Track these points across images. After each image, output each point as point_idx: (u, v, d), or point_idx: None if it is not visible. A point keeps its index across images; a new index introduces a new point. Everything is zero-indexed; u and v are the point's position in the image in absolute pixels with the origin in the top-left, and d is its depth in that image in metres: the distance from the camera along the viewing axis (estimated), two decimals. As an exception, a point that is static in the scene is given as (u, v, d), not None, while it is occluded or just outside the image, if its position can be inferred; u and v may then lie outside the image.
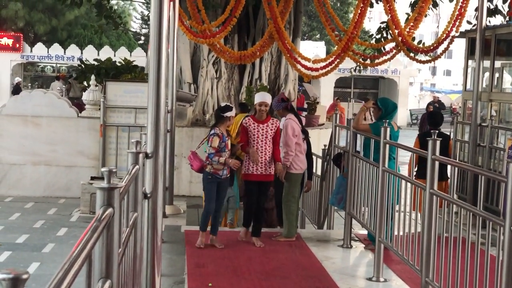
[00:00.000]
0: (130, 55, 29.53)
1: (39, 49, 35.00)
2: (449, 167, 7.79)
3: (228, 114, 7.92)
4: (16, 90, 26.52)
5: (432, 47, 12.00)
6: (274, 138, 8.22)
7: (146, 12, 52.53)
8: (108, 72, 17.49)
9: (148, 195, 4.42)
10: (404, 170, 10.75)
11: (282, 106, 8.71)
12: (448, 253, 5.63)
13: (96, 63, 18.67)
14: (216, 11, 13.84)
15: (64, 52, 34.44)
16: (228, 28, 10.69)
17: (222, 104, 8.52)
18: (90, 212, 10.44)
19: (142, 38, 48.49)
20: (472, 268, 5.21)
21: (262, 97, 8.31)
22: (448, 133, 10.69)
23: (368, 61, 13.06)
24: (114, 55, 27.67)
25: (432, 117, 10.50)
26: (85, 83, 17.93)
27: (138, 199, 4.02)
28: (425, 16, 12.21)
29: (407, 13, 13.90)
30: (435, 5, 15.13)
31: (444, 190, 8.86)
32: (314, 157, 9.43)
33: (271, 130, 8.17)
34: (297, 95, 19.00)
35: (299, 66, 11.27)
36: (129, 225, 3.60)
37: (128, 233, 3.48)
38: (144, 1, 42.32)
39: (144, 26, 54.74)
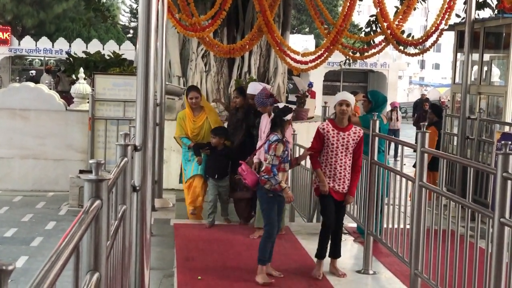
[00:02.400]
0: (119, 48, 29.39)
1: (27, 42, 34.76)
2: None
3: (289, 117, 6.60)
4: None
5: (421, 40, 12.01)
6: (356, 151, 6.68)
7: (134, 6, 52.42)
8: (97, 66, 17.44)
9: (137, 188, 4.40)
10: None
11: (270, 103, 7.91)
12: (437, 246, 5.64)
13: (84, 56, 18.60)
14: (205, 4, 13.80)
15: (53, 45, 34.22)
16: (218, 22, 10.66)
17: (280, 105, 6.83)
18: (79, 206, 10.41)
19: (131, 31, 48.35)
20: (461, 260, 5.22)
21: (343, 95, 6.73)
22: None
23: (357, 54, 13.06)
24: (103, 49, 27.53)
25: (437, 109, 11.70)
26: (73, 76, 17.87)
27: (126, 192, 4.00)
28: (414, 9, 12.22)
29: (396, 6, 13.91)
30: (424, -2, 15.15)
31: (434, 181, 8.88)
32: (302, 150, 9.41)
33: (353, 140, 6.61)
34: (306, 91, 18.89)
35: (288, 59, 11.26)
36: (117, 218, 3.58)
37: (116, 226, 3.46)
38: (133, -6, 42.14)
39: (132, 19, 54.56)
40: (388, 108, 18.01)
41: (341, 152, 6.58)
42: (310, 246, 7.61)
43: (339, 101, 6.59)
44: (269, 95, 8.21)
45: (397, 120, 20.01)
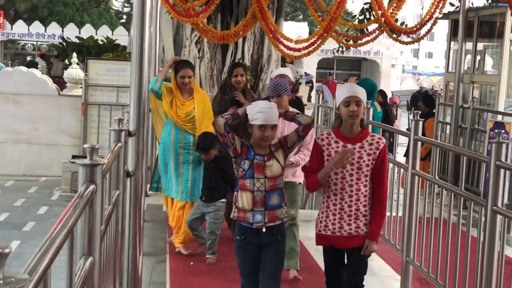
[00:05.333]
0: (112, 33, 29.23)
1: (20, 26, 34.59)
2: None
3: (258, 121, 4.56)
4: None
5: (415, 29, 11.99)
6: (376, 174, 4.52)
7: (128, -9, 52.13)
8: (90, 51, 17.39)
9: (131, 173, 4.40)
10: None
11: (289, 92, 5.85)
12: (429, 234, 5.67)
13: (77, 41, 18.53)
14: (199, -10, 13.74)
15: (45, 30, 34.05)
16: (212, 7, 10.60)
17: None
18: (71, 191, 10.40)
19: (124, 16, 48.10)
20: (453, 248, 5.25)
21: (351, 89, 4.53)
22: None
23: (350, 42, 13.04)
24: (96, 34, 27.40)
25: (429, 99, 11.99)
26: (66, 61, 17.81)
27: (120, 177, 4.00)
28: (409, -3, 12.20)
29: (390, -6, 13.87)
30: (419, -14, 15.11)
31: (426, 170, 8.90)
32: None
33: (369, 156, 4.46)
34: (328, 80, 18.85)
35: (281, 47, 11.22)
36: (111, 203, 3.58)
37: (110, 211, 3.47)
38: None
39: (126, 4, 54.26)
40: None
41: (351, 175, 4.46)
42: (302, 233, 7.52)
43: (344, 99, 4.44)
44: (291, 83, 6.52)
45: (396, 118, 14.55)
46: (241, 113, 4.69)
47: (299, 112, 4.87)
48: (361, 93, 4.50)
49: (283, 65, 19.27)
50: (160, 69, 7.52)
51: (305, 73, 27.81)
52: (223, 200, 6.62)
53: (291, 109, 5.18)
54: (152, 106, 7.28)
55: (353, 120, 4.47)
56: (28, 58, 34.33)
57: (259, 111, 4.53)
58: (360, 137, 4.50)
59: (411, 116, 17.07)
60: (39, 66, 25.70)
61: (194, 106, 6.92)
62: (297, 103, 8.45)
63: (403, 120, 23.01)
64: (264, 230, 4.58)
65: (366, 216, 4.53)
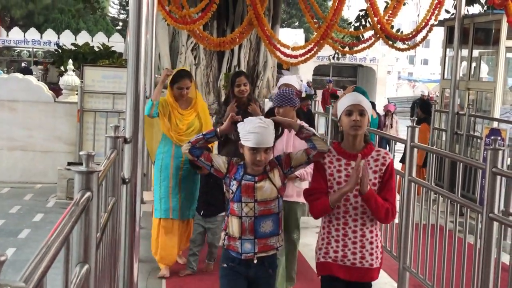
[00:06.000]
0: (108, 40, 29.29)
1: (15, 33, 34.64)
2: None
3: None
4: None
5: (410, 35, 12.03)
6: (383, 192, 3.95)
7: (124, -2, 52.20)
8: (86, 57, 17.39)
9: (127, 181, 4.38)
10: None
11: (297, 104, 5.55)
12: (425, 241, 5.66)
13: (73, 48, 18.54)
14: (195, -3, 13.77)
15: (41, 36, 34.09)
16: (208, 15, 10.62)
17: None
18: (67, 198, 10.38)
19: (120, 23, 48.15)
20: (449, 255, 5.24)
21: (354, 98, 4.02)
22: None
23: (346, 49, 13.06)
24: (92, 40, 27.44)
25: (426, 105, 12.21)
26: (62, 68, 17.81)
27: (116, 184, 3.99)
28: (404, 4, 12.23)
29: (386, 1, 13.91)
30: (414, -7, 15.16)
31: (423, 177, 8.91)
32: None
33: (375, 173, 3.97)
34: (327, 86, 18.75)
35: (278, 53, 11.24)
36: (107, 210, 3.57)
37: (106, 218, 3.45)
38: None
39: (122, 11, 54.35)
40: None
41: (355, 197, 3.94)
42: (302, 240, 7.57)
43: (347, 107, 3.96)
44: (299, 95, 6.08)
45: (391, 127, 14.49)
46: (224, 128, 4.16)
47: (315, 133, 4.11)
48: (365, 102, 3.99)
49: (279, 72, 19.30)
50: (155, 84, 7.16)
51: (308, 83, 27.79)
52: (222, 214, 6.40)
53: (305, 124, 4.43)
54: (145, 120, 6.83)
55: (355, 131, 3.90)
56: (23, 64, 34.34)
57: (251, 131, 3.95)
58: (364, 153, 3.98)
59: (409, 123, 17.04)
60: (34, 73, 25.71)
61: (195, 116, 6.53)
62: (308, 116, 7.63)
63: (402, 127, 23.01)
64: (255, 261, 4.06)
65: (372, 243, 3.98)
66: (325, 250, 4.05)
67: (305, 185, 5.46)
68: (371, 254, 3.99)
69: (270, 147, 4.04)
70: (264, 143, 3.96)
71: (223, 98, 14.73)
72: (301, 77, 7.95)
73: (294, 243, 5.87)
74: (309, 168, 5.18)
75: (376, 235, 4.02)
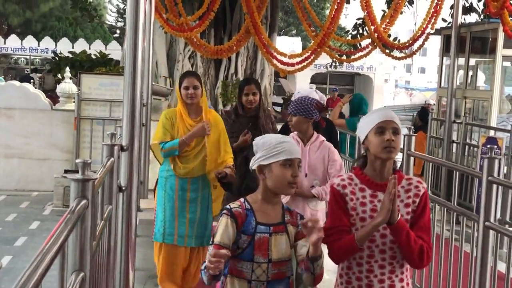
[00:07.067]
0: (105, 48, 29.30)
1: (13, 41, 34.62)
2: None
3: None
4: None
5: (407, 44, 12.06)
6: (415, 228, 3.14)
7: (121, 5, 52.28)
8: (83, 65, 17.40)
9: (123, 188, 4.38)
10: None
11: (315, 116, 5.07)
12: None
13: (70, 55, 18.54)
14: (193, 5, 13.81)
15: (38, 44, 34.08)
16: (206, 22, 10.64)
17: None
18: (63, 206, 10.36)
19: (118, 31, 48.18)
20: (446, 263, 5.24)
21: (384, 113, 3.28)
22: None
23: (344, 57, 13.09)
24: (89, 48, 27.47)
25: (423, 113, 12.38)
26: (59, 75, 17.82)
27: (112, 192, 3.99)
28: (401, 13, 12.26)
29: (383, 10, 13.96)
30: (411, 2, 15.25)
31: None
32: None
33: (406, 207, 3.19)
34: (331, 95, 18.41)
35: (275, 61, 11.26)
36: (103, 218, 3.56)
37: (102, 226, 3.45)
38: (120, -6, 42.09)
39: (119, 19, 54.39)
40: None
41: (383, 236, 3.16)
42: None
43: (377, 124, 3.22)
44: (320, 108, 5.24)
45: None
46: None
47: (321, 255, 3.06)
48: (398, 119, 3.28)
49: (276, 80, 19.32)
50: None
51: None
52: None
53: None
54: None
55: (389, 154, 3.15)
56: (26, 71, 34.38)
57: (278, 142, 3.19)
58: (398, 180, 3.17)
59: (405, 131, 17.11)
60: (36, 79, 25.79)
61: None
62: (329, 132, 6.18)
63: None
64: None
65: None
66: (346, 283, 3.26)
67: (322, 207, 5.00)
68: None
69: (300, 161, 3.28)
70: (297, 153, 3.21)
71: (220, 106, 14.76)
72: (292, 89, 7.62)
73: None
74: (329, 187, 4.50)
75: (408, 285, 3.24)
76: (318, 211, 4.85)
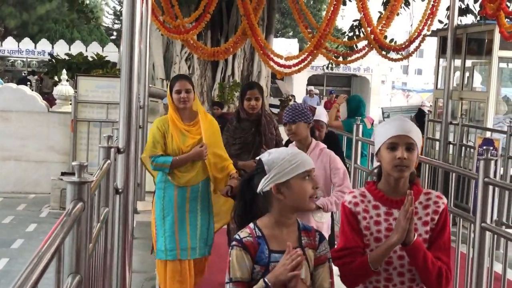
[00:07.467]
0: (102, 50, 29.27)
1: (9, 43, 34.60)
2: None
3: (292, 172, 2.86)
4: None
5: (404, 45, 12.07)
6: (434, 247, 2.91)
7: (118, 7, 52.25)
8: (80, 67, 17.39)
9: (120, 191, 4.38)
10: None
11: (311, 120, 4.88)
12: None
13: (67, 57, 18.53)
14: (189, 7, 13.81)
15: (35, 46, 34.06)
16: (202, 24, 10.64)
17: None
18: (60, 208, 10.35)
19: (114, 33, 48.18)
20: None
21: (400, 126, 2.96)
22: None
23: (340, 59, 13.10)
24: (86, 50, 27.46)
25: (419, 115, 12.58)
26: (56, 78, 17.80)
27: (109, 194, 3.99)
28: (397, 14, 12.28)
29: (379, 12, 13.97)
30: (407, 3, 15.26)
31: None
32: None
33: (425, 225, 2.94)
34: (329, 98, 18.50)
35: (271, 63, 11.27)
36: (100, 221, 3.57)
37: (98, 229, 3.45)
38: (117, -4, 42.09)
39: (116, 21, 54.37)
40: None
41: (400, 258, 2.92)
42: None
43: (389, 139, 2.94)
44: (313, 111, 5.01)
45: None
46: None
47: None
48: (416, 132, 2.97)
49: (273, 82, 19.33)
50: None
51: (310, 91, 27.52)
52: None
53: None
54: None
55: (400, 173, 2.89)
56: (24, 73, 34.35)
57: (293, 154, 2.85)
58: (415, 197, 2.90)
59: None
60: (33, 81, 25.79)
61: (201, 134, 5.48)
62: (332, 142, 5.78)
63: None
64: None
65: None
66: None
67: (327, 218, 4.83)
68: None
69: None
70: (312, 162, 2.88)
71: (224, 108, 14.74)
72: (289, 91, 7.67)
73: None
74: (334, 197, 4.59)
75: None
76: (324, 223, 4.68)
